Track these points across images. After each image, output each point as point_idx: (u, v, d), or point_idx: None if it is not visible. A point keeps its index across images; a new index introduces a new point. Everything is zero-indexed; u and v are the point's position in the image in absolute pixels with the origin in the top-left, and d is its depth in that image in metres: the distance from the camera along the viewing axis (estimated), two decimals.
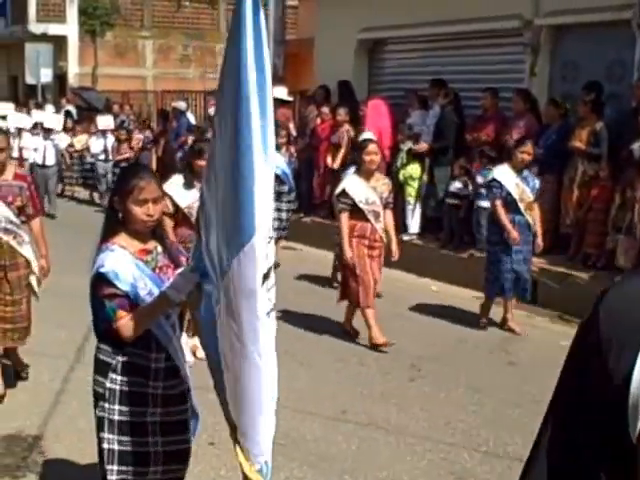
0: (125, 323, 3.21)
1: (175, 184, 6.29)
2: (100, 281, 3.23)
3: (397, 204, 10.95)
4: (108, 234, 3.32)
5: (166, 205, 5.76)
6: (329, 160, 11.79)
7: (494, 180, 7.62)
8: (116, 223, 3.33)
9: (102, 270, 3.21)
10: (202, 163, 5.68)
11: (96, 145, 15.99)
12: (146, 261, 3.33)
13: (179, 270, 3.20)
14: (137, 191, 3.23)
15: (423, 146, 10.58)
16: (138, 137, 15.94)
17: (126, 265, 3.24)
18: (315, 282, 9.71)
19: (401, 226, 10.30)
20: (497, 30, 10.97)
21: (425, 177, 10.73)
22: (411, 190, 10.80)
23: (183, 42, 24.87)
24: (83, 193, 16.95)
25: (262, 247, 2.66)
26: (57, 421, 5.40)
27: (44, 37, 22.47)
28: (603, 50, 9.75)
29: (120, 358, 3.33)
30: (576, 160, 8.97)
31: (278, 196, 9.35)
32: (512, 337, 7.67)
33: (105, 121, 16.31)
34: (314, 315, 8.12)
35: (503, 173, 7.59)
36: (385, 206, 7.21)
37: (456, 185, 9.96)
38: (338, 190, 7.32)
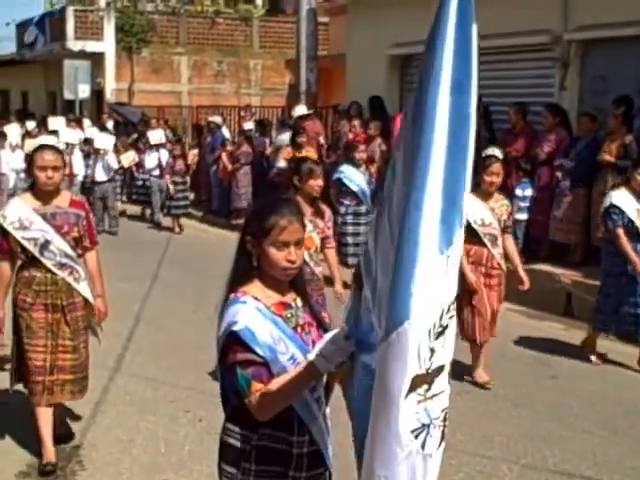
0: (262, 398, 2.52)
1: None
2: (232, 342, 2.57)
3: None
4: (238, 282, 2.69)
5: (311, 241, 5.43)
6: None
7: (613, 206, 6.79)
8: (248, 269, 2.70)
9: (235, 328, 2.55)
10: (312, 184, 5.52)
11: (150, 161, 15.45)
12: (285, 317, 2.68)
13: (330, 334, 2.49)
14: (277, 231, 2.62)
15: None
16: (193, 153, 15.67)
17: (263, 322, 2.59)
18: None
19: None
20: (527, 45, 11.10)
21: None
22: None
23: (217, 58, 25.20)
24: (132, 209, 16.50)
25: (415, 341, 2.00)
26: (95, 431, 5.45)
27: (82, 54, 22.90)
28: (632, 64, 9.83)
29: (254, 442, 2.68)
30: (605, 173, 9.07)
31: (356, 217, 9.42)
32: (552, 350, 7.50)
33: (156, 135, 15.74)
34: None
35: (622, 198, 6.81)
36: (504, 230, 6.44)
37: None
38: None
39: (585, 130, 9.54)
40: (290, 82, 18.77)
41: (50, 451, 4.84)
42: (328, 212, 5.80)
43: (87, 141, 15.55)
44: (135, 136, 17.48)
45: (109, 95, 24.14)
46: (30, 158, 4.84)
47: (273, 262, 2.63)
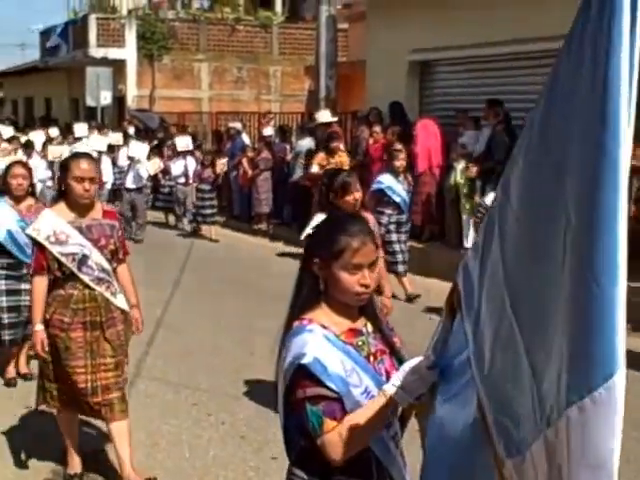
0: (335, 437, 2.24)
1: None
2: (301, 377, 2.27)
3: (452, 220, 11.23)
4: (303, 308, 2.42)
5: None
6: None
7: None
8: (315, 293, 2.42)
9: (304, 361, 2.26)
10: (349, 199, 5.17)
11: (176, 168, 15.30)
12: (356, 345, 2.41)
13: (410, 363, 2.24)
14: (349, 254, 2.35)
15: (473, 171, 10.76)
16: (222, 162, 15.35)
17: (333, 353, 2.32)
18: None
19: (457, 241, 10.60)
20: (548, 50, 11.09)
21: (477, 196, 10.94)
22: (467, 207, 11.00)
23: (237, 65, 25.35)
24: (154, 215, 16.22)
25: (622, 392, 1.62)
26: None
27: (104, 61, 23.13)
28: None
29: None
30: (631, 176, 9.06)
31: (398, 226, 9.27)
32: None
33: (183, 142, 15.56)
34: None
35: None
36: None
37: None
38: None
39: None
40: (310, 88, 18.85)
41: (76, 461, 4.79)
42: (372, 220, 5.31)
43: (111, 148, 15.58)
44: (155, 142, 17.58)
45: (130, 102, 24.33)
46: (64, 167, 4.53)
47: (345, 287, 2.37)
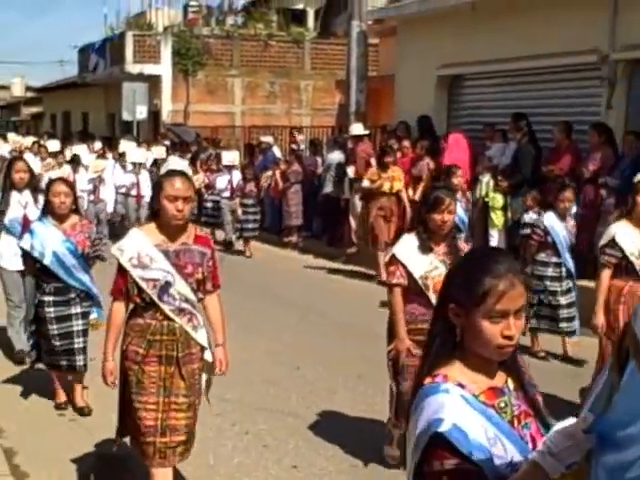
0: None
1: (407, 246, 4.87)
2: (438, 446, 1.93)
3: (479, 234, 11.28)
4: (436, 362, 2.06)
5: (400, 275, 4.85)
6: (410, 192, 12.18)
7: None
8: (450, 345, 2.07)
9: (442, 429, 1.92)
10: (437, 218, 4.74)
11: (221, 181, 15.07)
12: (499, 408, 2.05)
13: (561, 425, 1.91)
14: (493, 299, 1.99)
15: (504, 184, 10.82)
16: (267, 175, 15.35)
17: (474, 417, 1.97)
18: None
19: None
20: (574, 65, 11.16)
21: (509, 209, 11.00)
22: (496, 219, 11.05)
23: (270, 79, 25.58)
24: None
25: None
26: None
27: (140, 77, 23.46)
28: None
29: None
30: None
31: None
32: None
33: (230, 156, 15.19)
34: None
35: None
36: None
37: (531, 216, 10.15)
38: (605, 239, 5.86)
39: (630, 148, 9.58)
40: (340, 102, 19.01)
41: None
42: (467, 249, 4.77)
43: (155, 162, 15.57)
44: (189, 156, 17.81)
45: (165, 116, 24.67)
46: (157, 185, 4.20)
47: (486, 339, 1.99)
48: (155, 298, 4.12)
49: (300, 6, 28.03)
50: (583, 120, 10.65)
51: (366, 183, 11.62)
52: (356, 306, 10.25)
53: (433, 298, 4.61)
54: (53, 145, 17.88)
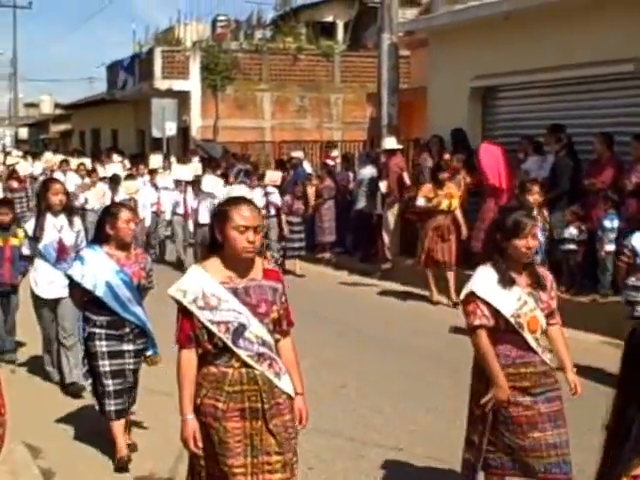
0: None
1: (486, 281, 4.26)
2: None
3: None
4: (632, 459, 1.57)
5: (483, 315, 4.23)
6: None
7: None
8: None
9: None
10: (520, 244, 4.17)
11: (258, 201, 13.93)
12: None
13: None
14: None
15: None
16: (310, 191, 14.91)
17: None
18: None
19: None
20: (612, 74, 10.92)
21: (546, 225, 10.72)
22: None
23: (299, 93, 25.54)
24: None
25: None
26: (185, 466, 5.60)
27: (169, 93, 23.50)
28: None
29: None
30: None
31: None
32: None
33: (275, 177, 14.55)
34: (431, 355, 8.26)
35: None
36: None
37: (571, 231, 9.93)
38: None
39: None
40: (371, 115, 18.85)
41: None
42: (550, 278, 4.41)
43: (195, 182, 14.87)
44: (219, 172, 17.70)
45: (195, 132, 24.69)
46: (221, 215, 3.70)
47: None
48: (229, 343, 3.63)
49: (329, 19, 27.99)
50: (623, 131, 10.40)
51: (421, 201, 11.01)
52: (393, 322, 10.14)
53: (529, 338, 4.22)
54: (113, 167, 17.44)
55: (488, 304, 4.21)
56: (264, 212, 13.79)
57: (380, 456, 5.69)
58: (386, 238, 13.11)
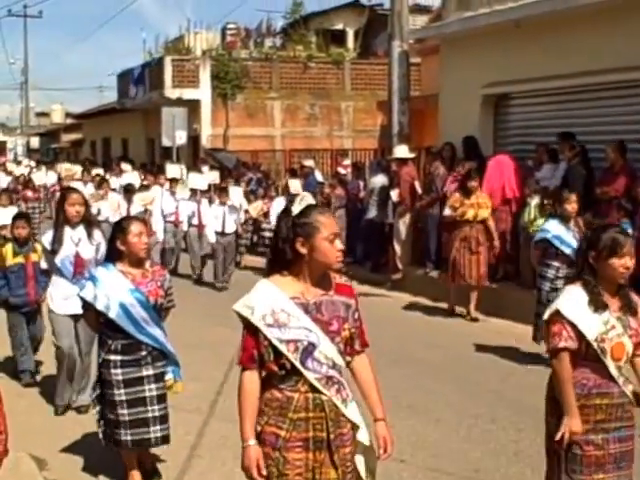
0: None
1: (576, 302, 3.93)
2: None
3: (526, 259, 10.92)
4: None
5: (568, 337, 3.87)
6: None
7: None
8: None
9: None
10: (616, 264, 3.85)
11: (278, 210, 13.67)
12: None
13: None
14: None
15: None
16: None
17: None
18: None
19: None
20: (625, 81, 10.82)
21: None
22: None
23: (310, 102, 25.53)
24: (253, 260, 15.52)
25: None
26: (191, 475, 5.52)
27: (179, 101, 23.51)
28: None
29: None
30: None
31: (569, 281, 8.52)
32: None
33: (298, 185, 14.20)
34: (442, 368, 8.17)
35: None
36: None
37: None
38: None
39: None
40: (382, 123, 18.80)
41: None
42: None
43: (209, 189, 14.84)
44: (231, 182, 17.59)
45: (205, 141, 24.69)
46: (305, 225, 3.34)
47: None
48: (298, 364, 3.30)
49: (339, 27, 28.00)
50: (635, 139, 10.29)
51: (448, 211, 10.65)
52: (401, 333, 10.06)
53: (611, 366, 3.86)
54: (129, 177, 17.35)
55: (574, 325, 3.88)
56: None
57: (382, 467, 5.54)
58: (397, 248, 13.01)
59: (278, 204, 13.85)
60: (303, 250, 3.32)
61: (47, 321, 7.04)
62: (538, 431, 6.44)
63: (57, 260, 6.52)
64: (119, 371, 5.03)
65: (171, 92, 24.46)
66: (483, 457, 5.90)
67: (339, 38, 27.56)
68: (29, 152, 48.20)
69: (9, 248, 7.65)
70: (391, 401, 7.06)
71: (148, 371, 5.08)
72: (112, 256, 5.18)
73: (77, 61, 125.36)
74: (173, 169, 16.77)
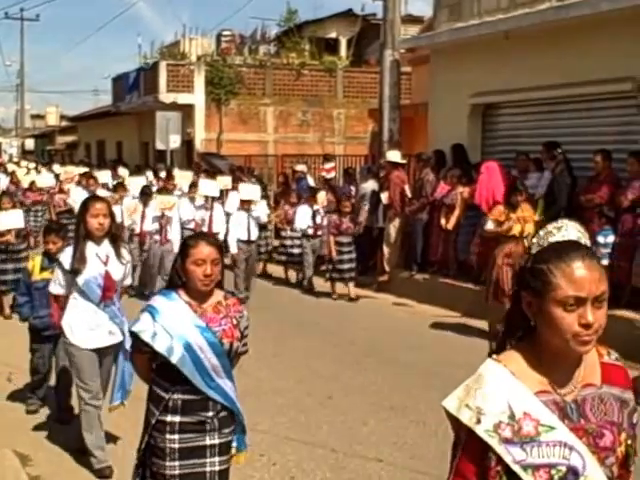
0: None
1: None
2: None
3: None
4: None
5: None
6: (442, 221, 12.06)
7: None
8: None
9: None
10: None
11: (301, 219, 13.57)
12: None
13: None
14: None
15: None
16: (365, 209, 13.93)
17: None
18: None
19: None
20: (609, 93, 11.03)
21: None
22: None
23: (302, 108, 25.75)
24: (272, 268, 15.22)
25: None
26: None
27: (173, 106, 23.67)
28: None
29: None
30: None
31: None
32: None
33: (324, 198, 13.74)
34: (424, 367, 8.32)
35: None
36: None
37: None
38: None
39: None
40: (373, 130, 18.99)
41: None
42: None
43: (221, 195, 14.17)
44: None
45: (198, 145, 24.86)
46: (549, 285, 2.00)
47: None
48: None
49: (332, 35, 28.26)
50: (619, 149, 10.50)
51: (490, 225, 9.66)
52: (386, 335, 10.21)
53: None
54: (103, 176, 17.16)
55: None
56: (311, 232, 13.40)
57: (360, 467, 5.77)
58: (386, 251, 13.20)
59: (303, 212, 13.49)
60: (548, 313, 2.00)
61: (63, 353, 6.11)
62: None
63: (80, 281, 5.45)
64: (176, 437, 3.75)
65: (165, 96, 24.62)
66: None
67: (332, 46, 27.81)
68: (24, 154, 48.23)
69: (37, 262, 6.82)
70: (374, 402, 7.28)
71: (213, 439, 3.82)
72: (174, 282, 3.91)
73: (73, 64, 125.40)
74: (185, 176, 16.03)
